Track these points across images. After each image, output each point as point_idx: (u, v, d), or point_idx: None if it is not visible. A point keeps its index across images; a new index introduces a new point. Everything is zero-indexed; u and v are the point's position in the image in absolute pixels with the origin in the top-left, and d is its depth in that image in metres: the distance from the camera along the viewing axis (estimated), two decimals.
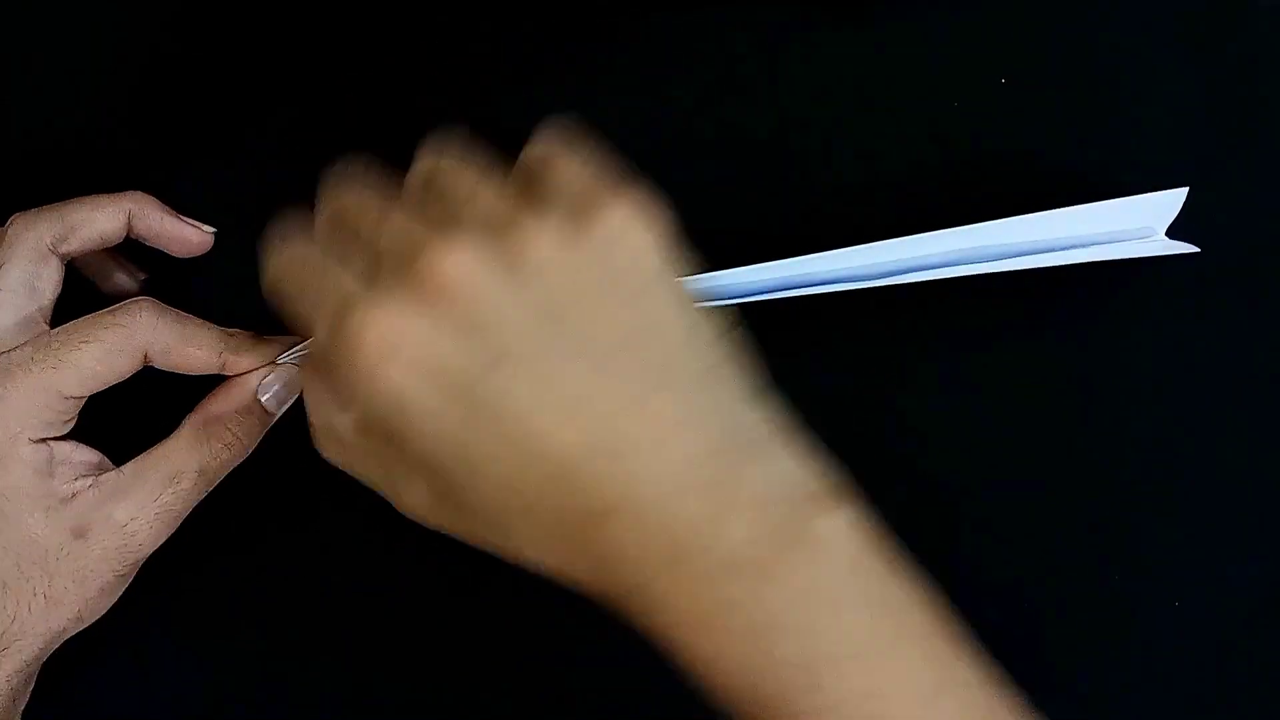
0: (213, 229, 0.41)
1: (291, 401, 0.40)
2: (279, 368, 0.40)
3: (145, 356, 0.38)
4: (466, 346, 0.31)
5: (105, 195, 0.40)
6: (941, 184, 0.43)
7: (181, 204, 0.41)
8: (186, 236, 0.41)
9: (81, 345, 0.37)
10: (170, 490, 0.38)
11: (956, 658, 0.31)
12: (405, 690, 0.41)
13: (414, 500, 0.33)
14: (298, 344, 0.40)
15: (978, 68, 0.43)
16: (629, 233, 0.32)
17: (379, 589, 0.42)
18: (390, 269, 0.32)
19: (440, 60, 0.44)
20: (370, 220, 0.33)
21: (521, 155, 0.35)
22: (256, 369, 0.39)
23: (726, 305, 0.39)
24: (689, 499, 0.30)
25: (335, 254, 0.33)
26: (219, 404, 0.39)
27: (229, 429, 0.39)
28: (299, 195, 0.41)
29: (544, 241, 0.31)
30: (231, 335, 0.39)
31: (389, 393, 0.31)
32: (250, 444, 0.39)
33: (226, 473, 0.39)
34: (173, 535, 0.39)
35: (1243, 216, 0.42)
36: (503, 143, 0.41)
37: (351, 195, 0.34)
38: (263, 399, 0.39)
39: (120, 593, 0.39)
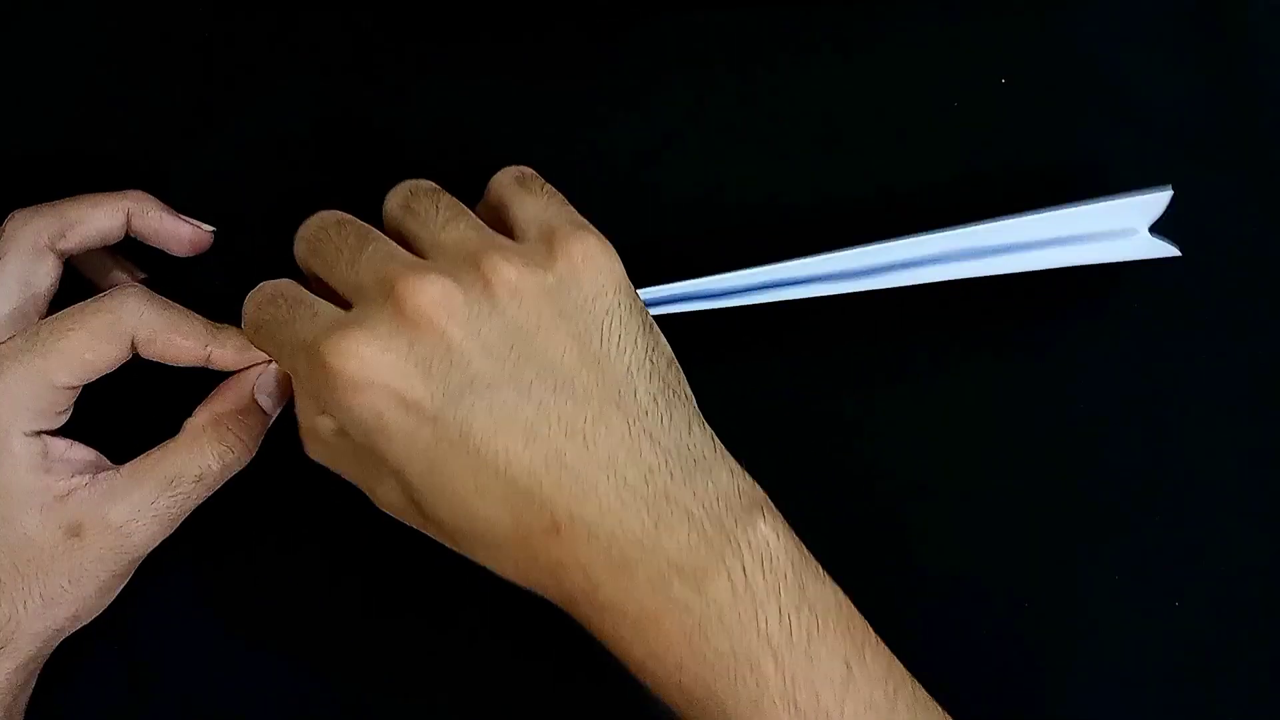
0: (211, 228, 0.41)
1: (285, 402, 0.40)
2: (271, 366, 0.39)
3: (132, 344, 0.38)
4: (436, 375, 0.34)
5: (104, 193, 0.40)
6: (941, 184, 0.43)
7: (180, 203, 0.41)
8: (185, 235, 0.41)
9: (68, 332, 0.37)
10: (168, 494, 0.37)
11: (872, 652, 0.34)
12: (403, 689, 0.41)
13: (388, 500, 0.36)
14: None
15: (978, 68, 0.43)
16: (588, 266, 0.36)
17: (378, 589, 0.42)
18: (366, 301, 0.35)
19: (440, 61, 0.44)
20: (346, 258, 0.36)
21: (486, 193, 0.38)
22: (250, 366, 0.39)
23: (713, 308, 0.40)
24: (635, 512, 0.33)
25: (311, 288, 0.37)
26: (219, 405, 0.39)
27: (230, 431, 0.38)
28: (297, 194, 0.41)
29: (510, 274, 0.35)
30: (219, 329, 0.39)
31: (367, 417, 0.34)
32: (251, 447, 0.39)
33: (228, 477, 0.39)
34: (174, 534, 0.38)
35: (1245, 217, 0.42)
36: (498, 146, 0.41)
37: (327, 233, 0.37)
38: (263, 400, 0.39)
39: (118, 591, 0.39)
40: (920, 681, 0.34)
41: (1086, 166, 0.43)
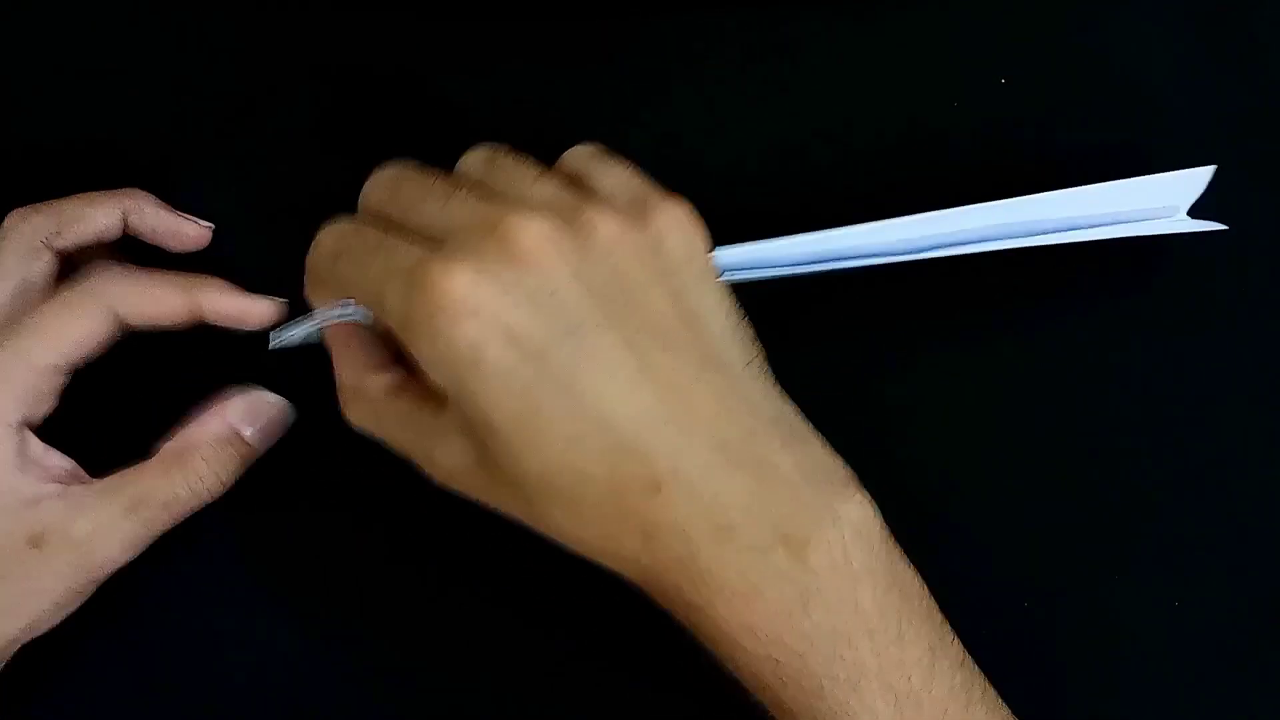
0: (210, 224, 0.41)
1: (271, 437, 0.39)
2: (264, 404, 0.39)
3: (115, 316, 0.37)
4: (544, 312, 0.32)
5: (101, 192, 0.40)
6: (941, 185, 0.43)
7: (179, 200, 0.41)
8: (183, 232, 0.41)
9: (45, 309, 0.37)
10: (133, 516, 0.37)
11: (951, 638, 0.34)
12: (399, 691, 0.41)
13: (449, 463, 0.34)
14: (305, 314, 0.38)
15: (978, 68, 0.43)
16: (679, 231, 0.35)
17: (374, 589, 0.41)
18: (466, 236, 0.33)
19: (444, 61, 0.44)
20: (436, 198, 0.34)
21: (560, 161, 0.37)
22: (244, 316, 0.39)
23: (744, 279, 0.39)
24: (737, 474, 0.32)
25: (394, 228, 0.34)
26: (193, 431, 0.38)
27: (203, 460, 0.38)
28: (295, 190, 0.41)
29: (611, 225, 0.34)
30: (200, 278, 0.38)
31: (466, 349, 0.32)
32: (225, 479, 0.38)
33: (199, 506, 0.38)
34: (172, 532, 0.38)
35: (1246, 218, 0.43)
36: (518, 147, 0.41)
37: (410, 176, 0.36)
38: (245, 432, 0.39)
39: (76, 606, 0.37)
40: None
41: (1087, 167, 0.43)
